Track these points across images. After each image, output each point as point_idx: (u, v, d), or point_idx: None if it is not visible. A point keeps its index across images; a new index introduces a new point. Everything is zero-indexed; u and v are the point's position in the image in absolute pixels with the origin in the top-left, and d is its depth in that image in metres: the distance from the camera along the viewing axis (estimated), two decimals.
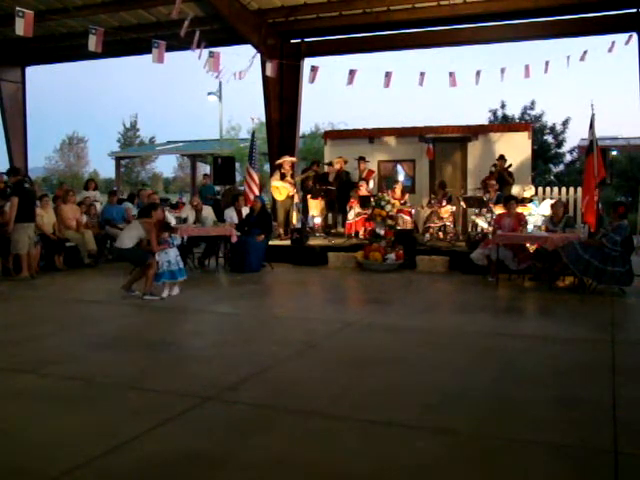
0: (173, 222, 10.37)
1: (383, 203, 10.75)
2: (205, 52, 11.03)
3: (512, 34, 13.29)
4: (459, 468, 3.07)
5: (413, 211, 12.36)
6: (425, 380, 4.46)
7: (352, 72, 12.03)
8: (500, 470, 3.05)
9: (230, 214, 11.11)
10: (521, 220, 9.35)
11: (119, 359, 5.03)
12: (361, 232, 12.01)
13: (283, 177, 12.35)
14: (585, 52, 11.77)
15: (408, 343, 5.62)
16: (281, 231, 12.44)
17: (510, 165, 12.20)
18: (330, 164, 13.33)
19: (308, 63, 13.40)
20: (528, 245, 9.18)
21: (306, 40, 14.37)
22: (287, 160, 12.52)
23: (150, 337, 5.84)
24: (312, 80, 12.18)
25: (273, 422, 3.63)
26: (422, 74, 12.26)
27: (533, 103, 28.09)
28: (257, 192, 12.16)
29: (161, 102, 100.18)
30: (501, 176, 11.98)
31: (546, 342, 5.65)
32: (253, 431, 3.48)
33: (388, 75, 12.08)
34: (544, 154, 26.45)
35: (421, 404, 3.92)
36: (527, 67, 12.08)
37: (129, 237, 7.75)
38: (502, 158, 12.23)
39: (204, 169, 30.63)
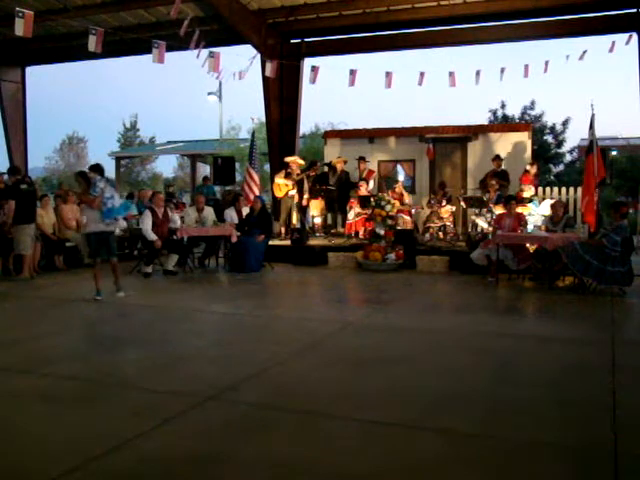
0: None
1: (383, 203, 10.76)
2: (205, 52, 11.02)
3: (512, 34, 13.25)
4: (459, 468, 3.07)
5: (413, 211, 12.36)
6: (425, 380, 4.46)
7: (353, 72, 11.99)
8: (500, 470, 3.05)
9: (230, 214, 11.12)
10: (521, 220, 9.36)
11: (119, 359, 5.03)
12: (361, 232, 12.00)
13: (288, 176, 12.41)
14: (585, 52, 11.77)
15: (408, 343, 5.62)
16: (282, 230, 12.46)
17: (500, 165, 12.17)
18: (329, 165, 13.32)
19: (308, 63, 13.40)
20: (528, 245, 9.18)
21: (306, 40, 14.35)
22: (294, 160, 12.60)
23: (150, 337, 5.84)
24: (312, 80, 12.16)
25: (273, 422, 3.63)
26: (422, 74, 12.25)
27: (533, 103, 28.10)
28: (257, 192, 12.18)
29: (161, 102, 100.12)
30: (500, 175, 11.96)
31: (546, 342, 5.64)
32: (253, 431, 3.48)
33: (389, 75, 12.04)
34: (544, 154, 26.43)
35: (421, 404, 3.93)
36: (526, 67, 12.07)
37: (87, 219, 7.72)
38: (498, 158, 12.24)
39: (204, 169, 30.60)
